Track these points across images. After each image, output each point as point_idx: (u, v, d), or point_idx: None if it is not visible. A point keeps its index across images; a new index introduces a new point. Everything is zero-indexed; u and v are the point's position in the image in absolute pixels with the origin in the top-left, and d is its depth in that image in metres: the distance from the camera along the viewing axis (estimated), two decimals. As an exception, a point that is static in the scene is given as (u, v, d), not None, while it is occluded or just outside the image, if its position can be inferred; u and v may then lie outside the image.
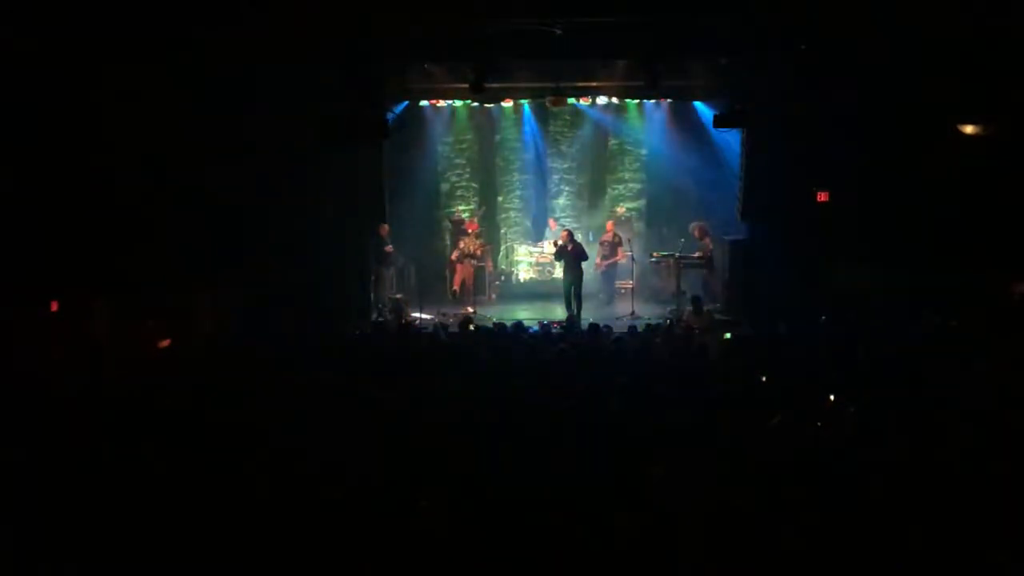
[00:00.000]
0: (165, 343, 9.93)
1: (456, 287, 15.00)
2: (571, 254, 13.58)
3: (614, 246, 14.96)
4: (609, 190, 16.31)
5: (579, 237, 14.30)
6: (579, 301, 13.50)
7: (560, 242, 13.70)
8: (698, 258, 14.06)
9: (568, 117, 16.03)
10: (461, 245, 15.03)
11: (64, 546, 4.55)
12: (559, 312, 13.56)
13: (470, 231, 15.22)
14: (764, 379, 7.80)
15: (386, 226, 14.13)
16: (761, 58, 12.00)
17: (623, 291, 14.88)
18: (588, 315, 13.06)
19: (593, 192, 16.34)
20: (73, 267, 10.60)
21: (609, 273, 15.01)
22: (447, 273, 15.43)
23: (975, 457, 5.66)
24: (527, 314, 13.60)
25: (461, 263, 14.91)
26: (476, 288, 15.02)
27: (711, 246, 14.11)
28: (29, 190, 10.25)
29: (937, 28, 10.87)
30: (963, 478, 5.24)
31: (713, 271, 14.04)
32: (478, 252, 15.01)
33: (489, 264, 15.53)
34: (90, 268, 10.75)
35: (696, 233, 14.25)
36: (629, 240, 14.83)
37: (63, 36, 9.93)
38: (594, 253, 14.80)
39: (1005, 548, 4.31)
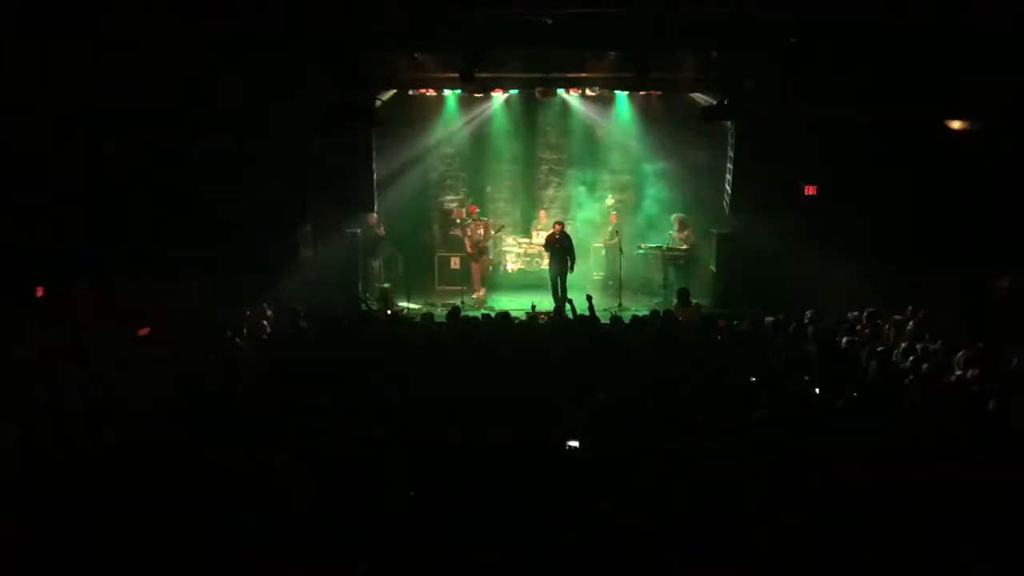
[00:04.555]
0: (144, 331, 9.84)
1: (477, 286, 14.76)
2: (559, 246, 13.61)
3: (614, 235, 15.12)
4: (598, 181, 16.31)
5: (569, 229, 14.37)
6: (564, 292, 13.54)
7: (555, 235, 13.76)
8: (685, 251, 14.14)
9: (558, 108, 16.01)
10: (469, 233, 14.79)
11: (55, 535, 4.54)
12: (547, 303, 13.59)
13: (471, 217, 15.06)
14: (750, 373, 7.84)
15: (374, 216, 14.11)
16: (751, 51, 12.01)
17: (611, 282, 14.93)
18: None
19: (581, 183, 16.33)
20: (58, 254, 10.54)
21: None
22: (435, 264, 15.45)
23: (960, 452, 5.72)
24: (515, 304, 13.61)
25: (478, 260, 14.74)
26: (463, 278, 15.01)
27: (692, 238, 14.18)
28: (14, 178, 10.18)
29: (926, 23, 10.90)
30: (948, 474, 5.28)
31: (696, 263, 14.14)
32: (489, 235, 14.85)
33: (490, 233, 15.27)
34: (75, 255, 10.70)
35: (676, 224, 14.32)
36: (618, 232, 14.86)
37: (50, 30, 9.87)
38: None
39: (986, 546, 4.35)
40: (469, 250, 14.73)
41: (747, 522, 4.58)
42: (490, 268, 15.50)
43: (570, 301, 11.34)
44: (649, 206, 15.68)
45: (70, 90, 10.44)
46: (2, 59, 9.67)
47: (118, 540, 4.47)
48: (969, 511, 4.77)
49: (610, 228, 15.27)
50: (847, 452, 5.63)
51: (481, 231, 14.72)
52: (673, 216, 14.55)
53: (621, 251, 14.48)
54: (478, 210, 15.27)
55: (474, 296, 14.49)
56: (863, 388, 7.23)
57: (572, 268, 13.87)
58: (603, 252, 15.48)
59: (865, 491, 4.97)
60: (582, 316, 10.72)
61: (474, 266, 14.78)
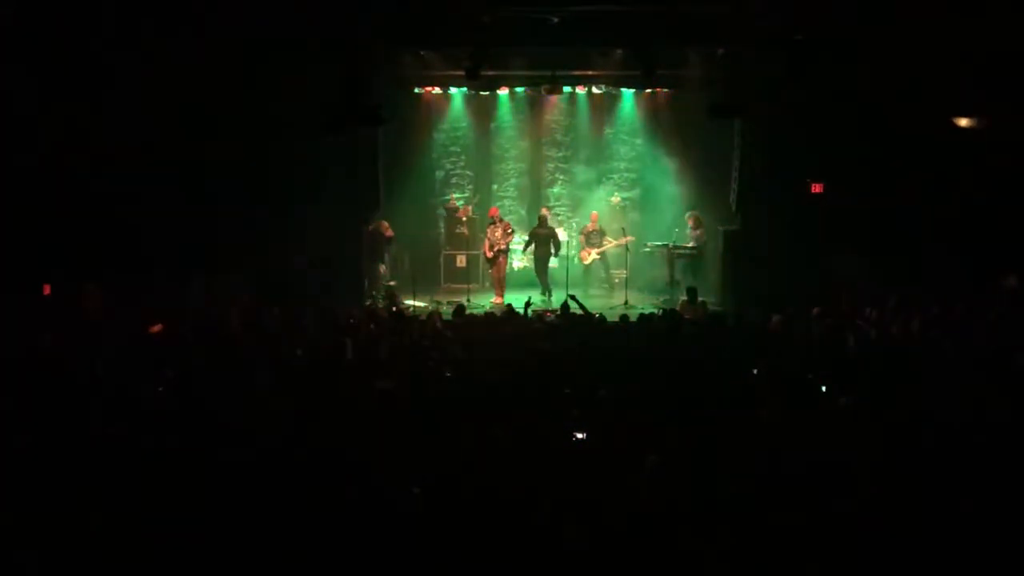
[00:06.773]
0: (157, 328, 9.84)
1: (497, 289, 14.42)
2: (543, 234, 13.90)
3: (600, 235, 15.03)
4: (604, 179, 16.28)
5: (563, 226, 14.44)
6: (546, 280, 14.05)
7: (541, 226, 13.88)
8: (691, 248, 14.12)
9: (564, 105, 16.00)
10: (488, 235, 14.47)
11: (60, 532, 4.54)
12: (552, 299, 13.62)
13: (493, 218, 14.68)
14: (755, 371, 7.81)
15: (385, 223, 14.10)
16: (757, 48, 11.98)
17: (617, 280, 14.92)
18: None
19: (587, 181, 16.31)
20: (66, 251, 10.58)
21: (596, 264, 15.13)
22: (441, 262, 15.47)
23: (966, 450, 5.69)
24: (520, 302, 13.58)
25: (495, 263, 14.40)
26: (471, 276, 15.00)
27: (704, 237, 14.16)
28: (21, 173, 10.22)
29: (934, 20, 10.87)
30: (954, 472, 5.26)
31: (703, 261, 14.13)
32: (508, 237, 14.49)
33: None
34: (83, 252, 10.74)
35: (691, 223, 14.29)
36: (624, 229, 14.84)
37: (55, 25, 9.92)
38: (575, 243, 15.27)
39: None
40: (488, 253, 14.46)
41: (748, 520, 4.56)
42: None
43: (573, 296, 11.35)
44: (656, 203, 15.66)
45: (76, 89, 10.49)
46: (7, 59, 9.72)
47: (119, 539, 4.48)
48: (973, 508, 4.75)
49: (592, 229, 15.20)
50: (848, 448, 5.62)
51: (499, 233, 14.38)
52: (687, 214, 14.47)
53: (627, 248, 14.50)
54: (498, 212, 14.96)
55: (492, 301, 14.06)
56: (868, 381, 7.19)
57: (556, 254, 14.21)
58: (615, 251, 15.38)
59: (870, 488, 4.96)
60: (588, 313, 10.71)
61: (492, 271, 14.57)
